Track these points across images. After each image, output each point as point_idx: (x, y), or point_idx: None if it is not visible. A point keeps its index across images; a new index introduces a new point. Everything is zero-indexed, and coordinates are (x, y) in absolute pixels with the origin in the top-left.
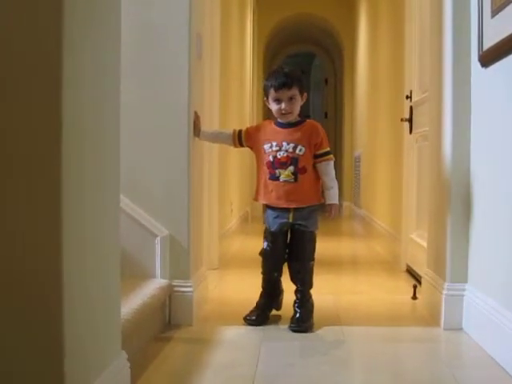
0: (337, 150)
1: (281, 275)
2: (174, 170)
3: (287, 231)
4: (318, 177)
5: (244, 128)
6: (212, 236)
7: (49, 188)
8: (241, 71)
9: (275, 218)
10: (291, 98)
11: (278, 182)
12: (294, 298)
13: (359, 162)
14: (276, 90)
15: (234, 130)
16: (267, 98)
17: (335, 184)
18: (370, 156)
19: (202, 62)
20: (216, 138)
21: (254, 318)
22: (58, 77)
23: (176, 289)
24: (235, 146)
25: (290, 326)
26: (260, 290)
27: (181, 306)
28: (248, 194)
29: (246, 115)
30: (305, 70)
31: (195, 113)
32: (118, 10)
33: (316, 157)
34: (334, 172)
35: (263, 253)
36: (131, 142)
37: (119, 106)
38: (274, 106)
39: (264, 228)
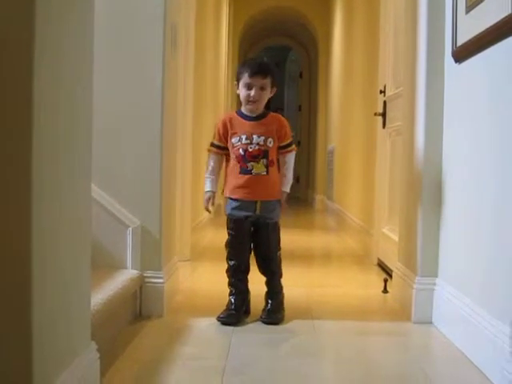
0: (310, 144)
1: (247, 271)
2: (145, 160)
3: (251, 222)
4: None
5: (213, 138)
6: (184, 227)
7: (19, 173)
8: (216, 61)
9: (239, 209)
10: (262, 88)
11: (250, 175)
12: (266, 289)
13: (332, 155)
14: (250, 75)
15: (208, 149)
16: (238, 83)
17: (290, 173)
18: (343, 150)
19: (176, 51)
20: (218, 173)
21: (225, 316)
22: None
23: (147, 280)
24: (223, 157)
25: (260, 318)
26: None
27: (152, 297)
28: (221, 187)
29: (220, 104)
30: (280, 63)
31: (209, 192)
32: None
33: (280, 148)
34: (293, 162)
35: (229, 242)
36: (103, 130)
37: (91, 93)
38: (243, 92)
39: (227, 219)
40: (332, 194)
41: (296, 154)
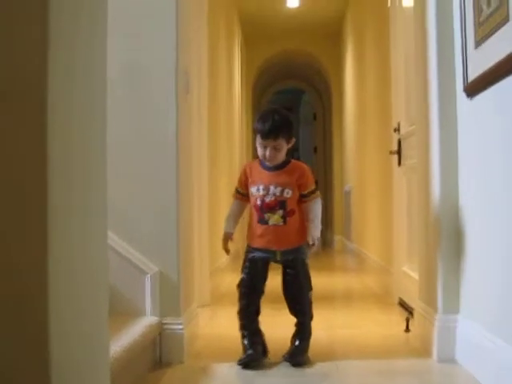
0: (327, 185)
1: (258, 313)
2: (162, 206)
3: (268, 263)
4: (302, 218)
5: (237, 184)
6: (202, 272)
7: (36, 219)
8: (229, 107)
9: (259, 254)
10: (276, 148)
11: (267, 225)
12: (295, 330)
13: (349, 195)
14: (262, 137)
15: (234, 195)
16: (256, 137)
17: (318, 219)
18: (360, 189)
19: (189, 98)
20: (237, 217)
21: (244, 358)
22: (44, 105)
23: (166, 326)
24: (246, 203)
25: (286, 359)
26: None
27: (172, 344)
28: (239, 231)
29: (235, 150)
30: (293, 106)
31: (225, 233)
32: (103, 48)
33: (303, 196)
34: (319, 208)
35: (242, 282)
36: (119, 178)
37: (105, 138)
38: (259, 150)
39: (243, 260)
40: (350, 235)
41: None
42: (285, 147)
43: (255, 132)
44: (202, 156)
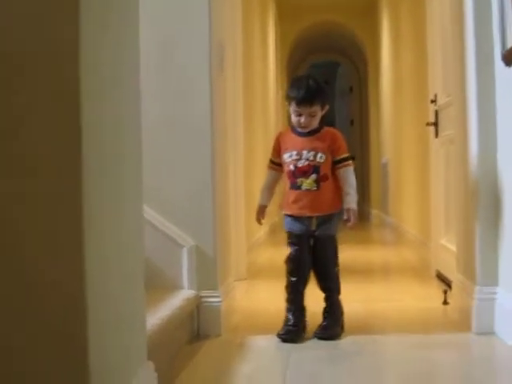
0: (363, 158)
1: (306, 287)
2: (197, 180)
3: (309, 237)
4: (338, 183)
5: (271, 154)
6: (239, 246)
7: (69, 200)
8: (264, 81)
9: (296, 224)
10: (311, 114)
11: (300, 191)
12: (324, 306)
13: (386, 168)
14: (297, 104)
15: (268, 166)
16: (289, 104)
17: (353, 190)
18: (397, 162)
19: (224, 74)
20: (272, 188)
21: (285, 333)
22: (76, 82)
23: (204, 299)
24: (280, 173)
25: (315, 333)
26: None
27: (209, 317)
28: (276, 204)
29: (270, 125)
30: (329, 79)
31: (260, 206)
32: (136, 25)
33: (335, 163)
34: (353, 178)
35: (290, 258)
36: (154, 153)
37: (140, 115)
38: (293, 117)
39: (287, 235)
40: (387, 208)
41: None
42: (319, 113)
43: (288, 99)
44: (238, 131)
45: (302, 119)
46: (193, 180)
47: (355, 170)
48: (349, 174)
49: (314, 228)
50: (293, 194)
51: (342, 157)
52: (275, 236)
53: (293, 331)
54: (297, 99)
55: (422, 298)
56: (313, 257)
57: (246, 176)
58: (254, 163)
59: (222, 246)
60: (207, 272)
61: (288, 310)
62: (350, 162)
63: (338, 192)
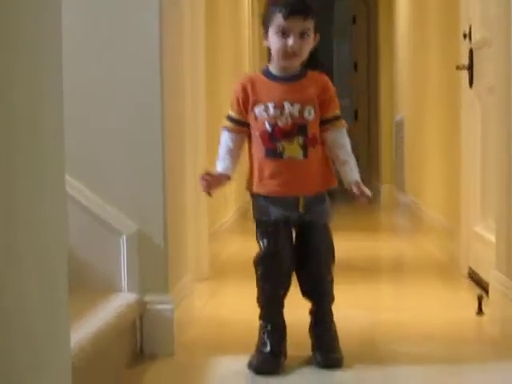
0: (371, 115)
1: (285, 296)
2: (143, 146)
3: (291, 227)
4: (324, 150)
5: (230, 109)
6: (199, 235)
7: None
8: (235, 14)
9: (273, 208)
10: (303, 34)
11: (280, 160)
12: (311, 320)
13: (402, 129)
14: (286, 16)
15: (225, 126)
16: (266, 31)
17: (352, 158)
18: (416, 120)
19: (179, 6)
20: (235, 155)
21: (260, 362)
22: None
23: (150, 306)
24: (245, 137)
25: (316, 361)
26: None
27: (157, 330)
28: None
29: (243, 64)
30: (325, 6)
31: (222, 176)
32: None
33: (324, 122)
34: (348, 143)
35: (262, 256)
36: (86, 113)
37: (61, 72)
38: (276, 41)
39: (256, 225)
40: (403, 183)
41: (352, 131)
42: (311, 38)
43: (270, 18)
44: (199, 83)
45: (291, 41)
46: (136, 149)
47: (360, 130)
48: (345, 138)
49: (302, 211)
50: (269, 166)
51: (334, 114)
52: (246, 221)
53: (270, 360)
54: (286, 10)
55: (448, 305)
56: (298, 253)
57: (209, 147)
58: (219, 121)
59: (175, 234)
60: (154, 268)
61: (263, 329)
62: (344, 122)
63: (329, 162)
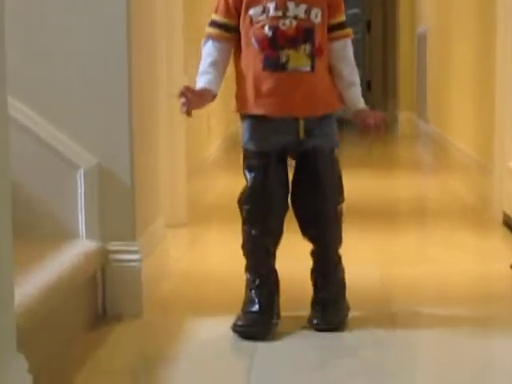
0: (388, 26)
1: (278, 243)
2: (102, 63)
3: (287, 156)
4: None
5: (214, 12)
6: (176, 171)
7: None
8: None
9: (268, 134)
10: None
11: (283, 73)
12: (312, 266)
13: (425, 45)
14: None
15: (210, 33)
16: None
17: (358, 78)
18: (442, 34)
19: None
20: (221, 68)
21: (246, 324)
22: None
23: (114, 256)
24: (232, 46)
25: (310, 322)
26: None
27: (122, 285)
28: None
29: None
30: None
31: (205, 91)
32: None
33: (331, 29)
34: (352, 58)
35: (244, 196)
36: (38, 33)
37: None
38: None
39: (244, 154)
40: (425, 110)
41: (357, 45)
42: None
43: None
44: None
45: None
46: (97, 56)
47: (373, 45)
48: (351, 52)
49: (302, 137)
50: (268, 80)
51: (341, 20)
52: (235, 153)
53: (259, 321)
54: None
55: (477, 257)
56: (297, 186)
57: (188, 52)
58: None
59: (145, 169)
60: (119, 210)
61: (250, 284)
62: (350, 30)
63: (333, 78)
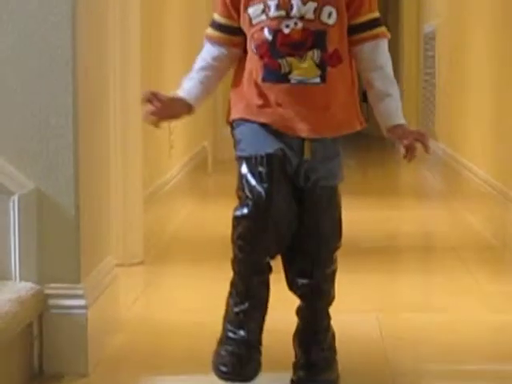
0: (388, 23)
1: (270, 269)
2: (44, 70)
3: (290, 172)
4: (353, 74)
5: (215, 12)
6: (130, 199)
7: None
8: None
9: (268, 138)
10: None
11: (285, 84)
12: (298, 323)
13: (433, 45)
14: None
15: (208, 35)
16: None
17: (396, 88)
18: (455, 33)
19: None
20: (214, 76)
21: (228, 366)
22: None
23: (53, 302)
24: (232, 51)
25: (297, 380)
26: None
27: (64, 338)
28: (206, 114)
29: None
30: None
31: (177, 100)
32: None
33: (355, 30)
34: (389, 60)
35: (244, 213)
36: None
37: None
38: None
39: (239, 162)
40: (433, 125)
41: None
42: None
43: None
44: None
45: None
46: (36, 70)
47: None
48: (386, 56)
49: (305, 157)
50: (271, 92)
51: (370, 17)
52: (204, 176)
53: (243, 357)
54: None
55: (494, 304)
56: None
57: (147, 47)
58: (165, 27)
59: (92, 196)
60: (60, 246)
61: (236, 306)
62: (385, 30)
63: (355, 92)
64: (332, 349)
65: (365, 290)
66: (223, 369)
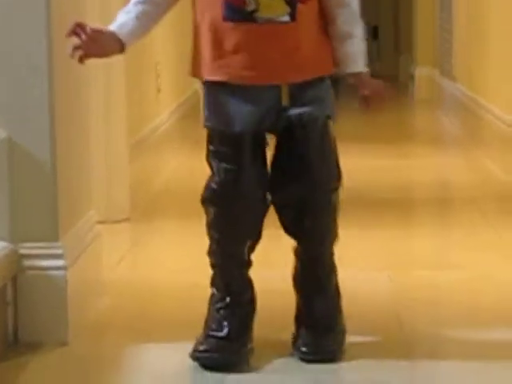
0: None
1: (253, 249)
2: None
3: (264, 135)
4: (322, 14)
5: None
6: (114, 148)
7: None
8: None
9: (239, 104)
10: None
11: (251, 24)
12: (296, 270)
13: None
14: None
15: None
16: None
17: (360, 29)
18: None
19: None
20: (154, 11)
21: (209, 349)
22: None
23: (29, 262)
24: None
25: (297, 349)
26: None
27: (40, 302)
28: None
29: None
30: None
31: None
32: None
33: None
34: (357, 4)
35: (214, 194)
36: None
37: None
38: None
39: (208, 134)
40: (451, 65)
41: None
42: None
43: None
44: None
45: None
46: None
47: None
48: None
49: (284, 104)
50: (232, 34)
51: None
52: (191, 122)
53: (227, 349)
54: None
55: None
56: (278, 169)
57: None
58: None
59: (71, 144)
60: (35, 201)
61: (216, 302)
62: None
63: (326, 32)
64: (336, 295)
65: (375, 246)
66: (206, 360)
